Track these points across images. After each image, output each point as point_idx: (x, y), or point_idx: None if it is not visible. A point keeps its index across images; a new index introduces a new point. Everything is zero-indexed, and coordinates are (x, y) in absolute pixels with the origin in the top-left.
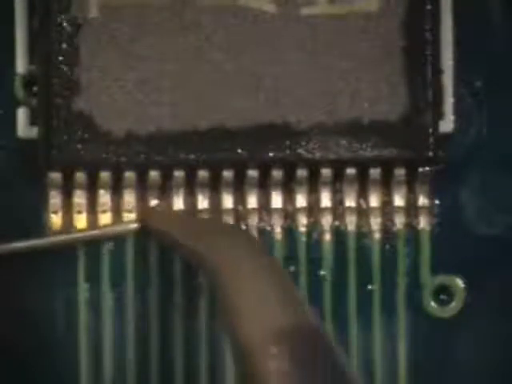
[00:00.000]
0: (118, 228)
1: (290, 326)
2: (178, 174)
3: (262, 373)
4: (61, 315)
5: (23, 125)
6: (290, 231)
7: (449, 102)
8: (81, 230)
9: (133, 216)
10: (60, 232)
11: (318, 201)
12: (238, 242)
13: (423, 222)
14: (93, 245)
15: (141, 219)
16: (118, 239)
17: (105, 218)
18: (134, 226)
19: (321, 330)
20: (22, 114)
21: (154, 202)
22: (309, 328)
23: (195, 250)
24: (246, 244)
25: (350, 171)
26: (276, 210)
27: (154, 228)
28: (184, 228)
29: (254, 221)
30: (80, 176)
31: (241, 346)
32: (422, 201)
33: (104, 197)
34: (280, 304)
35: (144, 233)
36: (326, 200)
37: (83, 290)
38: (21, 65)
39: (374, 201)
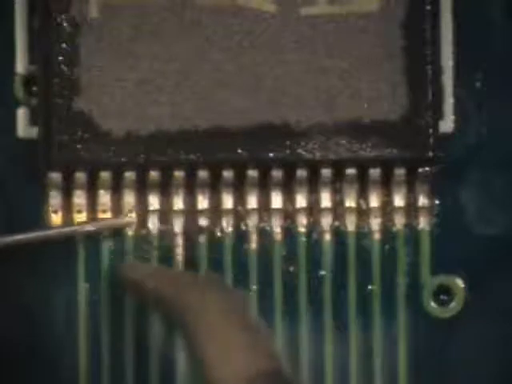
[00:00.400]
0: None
1: (261, 371)
2: (178, 174)
3: None
4: (61, 315)
5: (23, 125)
6: (290, 231)
7: (449, 102)
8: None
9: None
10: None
11: (317, 201)
12: (210, 290)
13: (423, 222)
14: (93, 245)
15: (116, 272)
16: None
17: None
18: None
19: (290, 377)
20: (21, 114)
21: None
22: (279, 374)
23: (166, 299)
24: (219, 293)
25: (350, 171)
26: (276, 210)
27: (128, 279)
28: (158, 278)
29: (253, 221)
30: (80, 176)
31: None
32: (422, 201)
33: (104, 197)
34: (249, 350)
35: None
36: (325, 200)
37: (83, 289)
38: (21, 65)
39: (374, 201)
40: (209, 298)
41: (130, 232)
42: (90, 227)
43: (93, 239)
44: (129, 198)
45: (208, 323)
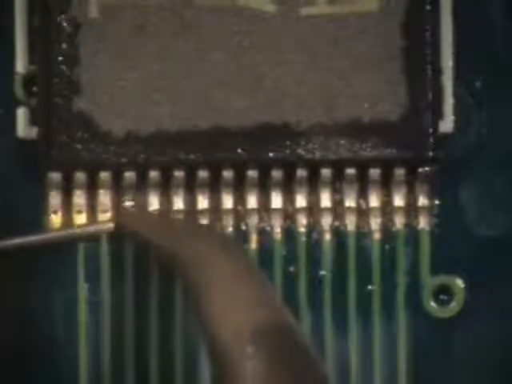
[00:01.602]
0: (93, 228)
1: (265, 325)
2: (178, 174)
3: (239, 374)
4: (61, 315)
5: (23, 125)
6: (289, 231)
7: (448, 102)
8: (56, 229)
9: (108, 216)
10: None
11: (317, 201)
12: (213, 242)
13: (423, 222)
14: (92, 244)
15: (115, 221)
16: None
17: (105, 218)
18: (110, 226)
19: (295, 329)
20: (21, 114)
21: (129, 203)
22: (284, 326)
23: (169, 251)
24: (221, 244)
25: (350, 171)
26: (276, 210)
27: (128, 229)
28: (158, 228)
29: (253, 221)
30: (80, 176)
31: (216, 347)
32: (422, 201)
33: (104, 197)
34: (254, 303)
35: (118, 234)
36: (325, 200)
37: (83, 289)
38: (21, 65)
39: (374, 201)
40: (212, 251)
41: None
42: (65, 234)
43: (93, 239)
44: (129, 198)
45: (212, 277)
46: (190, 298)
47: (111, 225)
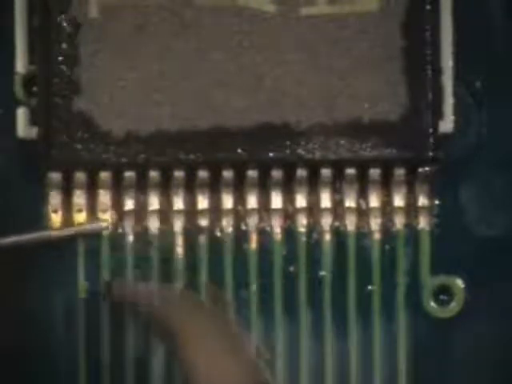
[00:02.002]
0: (89, 226)
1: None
2: (178, 174)
3: None
4: (60, 315)
5: (23, 125)
6: (289, 231)
7: (448, 102)
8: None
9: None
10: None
11: (317, 201)
12: (191, 305)
13: (423, 222)
14: (93, 244)
15: (110, 291)
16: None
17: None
18: (106, 224)
19: None
20: (21, 114)
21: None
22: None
23: (158, 319)
24: (199, 307)
25: (350, 171)
26: (276, 210)
27: (121, 294)
28: (149, 296)
29: (254, 221)
30: (80, 176)
31: None
32: (422, 201)
33: (104, 197)
34: (236, 364)
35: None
36: (325, 200)
37: (83, 289)
38: (21, 65)
39: (374, 201)
40: (197, 318)
41: (130, 232)
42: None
43: (93, 239)
44: (129, 198)
45: (196, 340)
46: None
47: (107, 223)
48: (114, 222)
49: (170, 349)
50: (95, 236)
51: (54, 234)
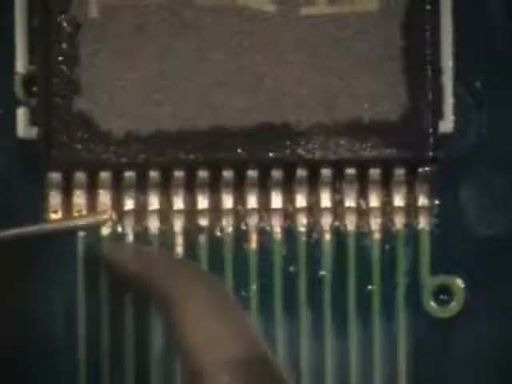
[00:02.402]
0: (88, 219)
1: (242, 356)
2: (178, 174)
3: None
4: (60, 314)
5: (23, 125)
6: (289, 231)
7: (448, 102)
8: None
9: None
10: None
11: (317, 201)
12: (188, 275)
13: (423, 222)
14: (92, 244)
15: (100, 252)
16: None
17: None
18: (105, 217)
19: (271, 361)
20: (21, 114)
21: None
22: (259, 359)
23: (146, 283)
24: (196, 277)
25: (350, 171)
26: (276, 210)
27: (111, 260)
28: (134, 261)
29: (253, 221)
30: (80, 176)
31: (193, 375)
32: (422, 201)
33: (104, 197)
34: (230, 336)
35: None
36: (325, 200)
37: (83, 289)
38: (21, 65)
39: (374, 201)
40: (188, 284)
41: (130, 232)
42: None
43: (92, 239)
44: (129, 198)
45: (187, 312)
46: (169, 327)
47: (107, 216)
48: (114, 221)
49: (169, 320)
50: (95, 229)
51: (53, 226)
